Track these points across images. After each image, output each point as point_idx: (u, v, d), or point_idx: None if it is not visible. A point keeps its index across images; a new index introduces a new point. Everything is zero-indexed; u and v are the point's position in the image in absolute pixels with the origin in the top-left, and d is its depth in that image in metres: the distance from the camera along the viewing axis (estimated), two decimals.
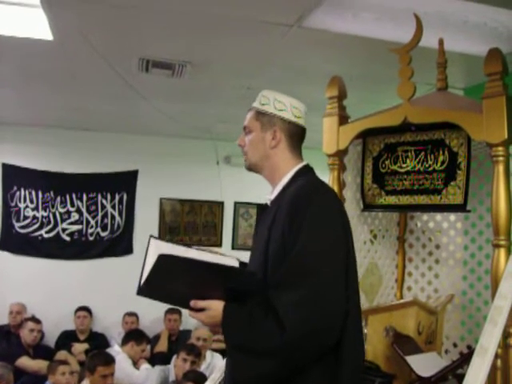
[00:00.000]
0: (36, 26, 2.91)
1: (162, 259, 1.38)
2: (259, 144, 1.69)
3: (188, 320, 5.50)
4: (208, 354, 4.47)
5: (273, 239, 1.53)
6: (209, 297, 1.47)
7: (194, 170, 6.01)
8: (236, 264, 1.63)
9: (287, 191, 1.60)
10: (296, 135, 1.70)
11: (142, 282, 1.46)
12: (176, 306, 1.58)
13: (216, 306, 1.46)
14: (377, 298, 2.70)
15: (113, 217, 5.86)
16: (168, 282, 1.44)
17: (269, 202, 1.70)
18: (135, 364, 4.33)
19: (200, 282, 1.45)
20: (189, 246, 1.71)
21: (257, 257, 1.60)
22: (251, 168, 1.75)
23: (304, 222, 1.45)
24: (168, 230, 6.07)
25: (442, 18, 2.58)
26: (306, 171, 1.69)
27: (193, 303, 1.47)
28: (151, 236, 1.66)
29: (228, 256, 1.68)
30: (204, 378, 3.56)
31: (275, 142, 1.67)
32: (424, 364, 2.13)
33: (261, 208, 1.77)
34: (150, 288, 1.47)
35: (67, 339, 5.14)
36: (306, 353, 1.38)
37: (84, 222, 5.77)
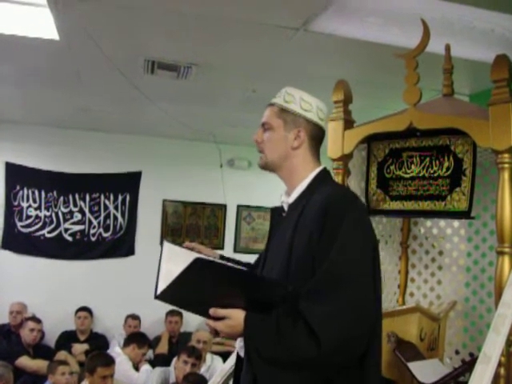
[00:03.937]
0: (42, 25, 2.92)
1: (197, 262, 1.30)
2: (280, 143, 1.61)
3: (189, 322, 5.50)
4: (208, 356, 4.47)
5: (297, 243, 1.48)
6: (229, 305, 1.41)
7: (197, 173, 6.02)
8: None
9: (314, 196, 1.53)
10: (317, 138, 1.65)
11: (166, 285, 1.38)
12: (194, 313, 1.51)
13: (236, 316, 1.41)
14: None
15: (115, 218, 5.87)
16: (193, 287, 1.37)
17: (285, 206, 1.64)
18: (136, 367, 4.32)
19: (225, 290, 1.40)
20: (199, 254, 1.64)
21: (277, 261, 1.54)
22: (266, 166, 1.66)
23: (338, 231, 1.40)
24: (170, 232, 6.07)
25: (449, 23, 2.58)
26: (326, 176, 1.64)
27: (212, 311, 1.42)
28: (165, 240, 1.58)
29: (238, 266, 1.60)
30: (204, 380, 3.55)
31: (298, 142, 1.60)
32: (426, 371, 2.11)
33: (276, 211, 1.70)
34: (171, 293, 1.40)
35: (67, 339, 5.15)
36: (337, 363, 1.37)
37: (86, 223, 5.78)
